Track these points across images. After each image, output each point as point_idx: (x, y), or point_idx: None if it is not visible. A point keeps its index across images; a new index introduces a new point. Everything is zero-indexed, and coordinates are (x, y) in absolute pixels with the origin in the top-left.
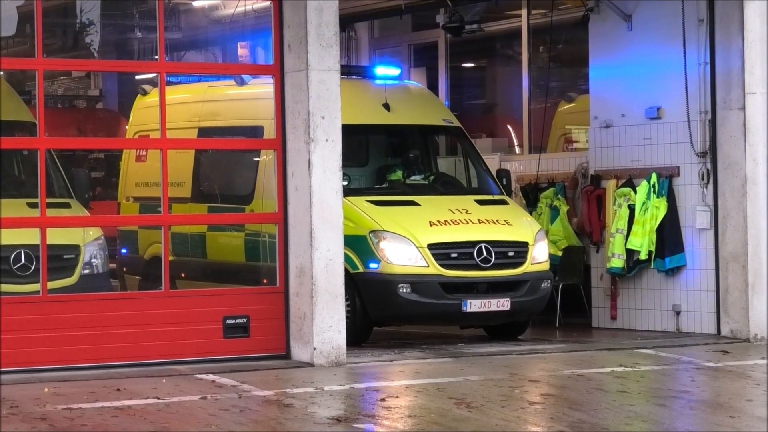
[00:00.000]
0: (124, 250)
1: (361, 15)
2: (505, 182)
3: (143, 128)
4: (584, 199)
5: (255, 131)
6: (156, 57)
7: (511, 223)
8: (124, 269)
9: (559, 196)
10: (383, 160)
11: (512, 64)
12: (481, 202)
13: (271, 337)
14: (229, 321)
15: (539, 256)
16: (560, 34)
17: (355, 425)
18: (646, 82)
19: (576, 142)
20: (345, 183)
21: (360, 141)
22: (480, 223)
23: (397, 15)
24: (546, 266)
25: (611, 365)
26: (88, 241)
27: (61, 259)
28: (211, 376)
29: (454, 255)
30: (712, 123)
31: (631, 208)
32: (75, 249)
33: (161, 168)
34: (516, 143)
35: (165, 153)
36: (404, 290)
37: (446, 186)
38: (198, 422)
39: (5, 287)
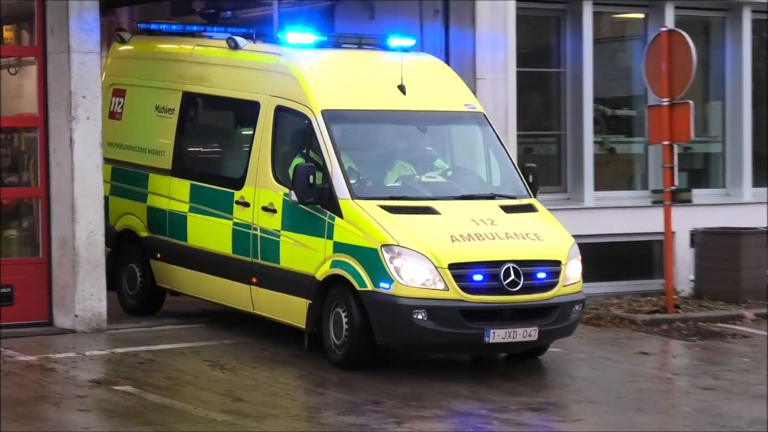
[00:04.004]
0: None
1: (122, 1)
2: (531, 180)
3: (118, 80)
4: None
5: (252, 107)
6: None
7: (542, 238)
8: None
9: None
10: (396, 153)
11: None
12: (507, 209)
13: (35, 305)
14: None
15: (572, 275)
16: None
17: (115, 387)
18: None
19: None
20: (353, 182)
21: (370, 130)
22: (508, 237)
23: (157, 0)
24: (579, 287)
25: None
26: None
27: None
28: None
29: (477, 277)
30: None
31: None
32: None
33: None
34: None
35: None
36: (420, 317)
37: (467, 186)
38: None
39: None
